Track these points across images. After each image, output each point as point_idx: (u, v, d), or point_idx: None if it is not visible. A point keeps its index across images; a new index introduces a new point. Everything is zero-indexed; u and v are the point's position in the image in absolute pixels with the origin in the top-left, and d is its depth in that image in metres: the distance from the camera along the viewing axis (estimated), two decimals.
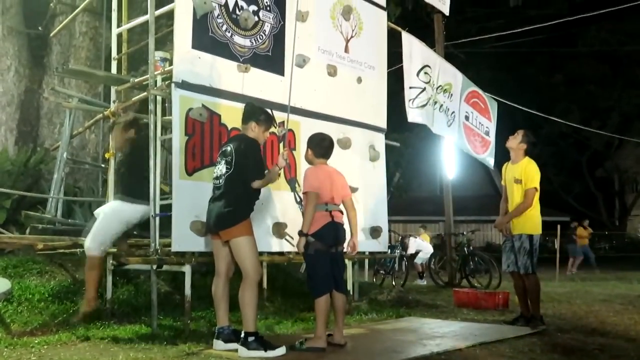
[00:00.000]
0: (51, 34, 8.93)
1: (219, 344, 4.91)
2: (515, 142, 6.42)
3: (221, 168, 4.86)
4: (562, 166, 30.72)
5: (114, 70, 6.86)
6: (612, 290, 11.63)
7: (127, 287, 7.00)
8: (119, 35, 6.85)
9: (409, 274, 12.40)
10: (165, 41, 7.56)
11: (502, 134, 10.00)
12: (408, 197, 30.95)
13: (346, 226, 5.23)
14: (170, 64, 6.12)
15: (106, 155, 6.65)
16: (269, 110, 5.21)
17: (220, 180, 4.84)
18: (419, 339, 5.54)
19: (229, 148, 4.89)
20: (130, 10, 7.01)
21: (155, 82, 5.55)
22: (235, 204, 4.78)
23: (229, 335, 4.95)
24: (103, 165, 8.23)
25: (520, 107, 15.33)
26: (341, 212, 5.24)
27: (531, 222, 6.28)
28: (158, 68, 6.16)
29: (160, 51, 6.36)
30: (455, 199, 13.79)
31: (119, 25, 6.80)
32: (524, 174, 6.28)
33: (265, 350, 4.61)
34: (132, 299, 6.77)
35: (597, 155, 31.62)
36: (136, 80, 6.38)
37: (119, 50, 6.88)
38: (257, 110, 5.10)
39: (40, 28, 10.49)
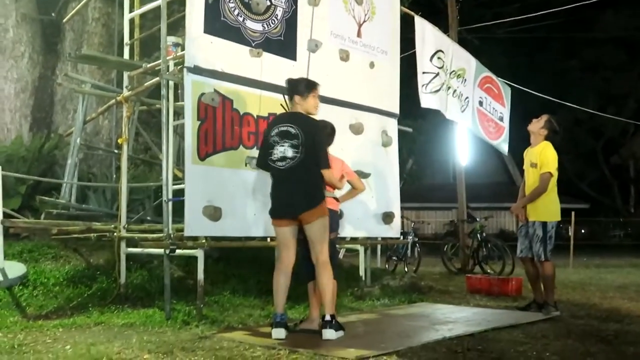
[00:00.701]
0: (64, 20, 8.95)
1: (280, 332, 4.72)
2: (537, 127, 6.32)
3: (285, 150, 4.76)
4: (578, 153, 30.44)
5: (126, 56, 6.87)
6: (626, 277, 11.55)
7: (141, 272, 7.05)
8: (131, 21, 6.86)
9: (421, 260, 12.35)
10: (177, 27, 7.54)
11: (516, 120, 9.96)
12: (421, 184, 30.87)
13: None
14: (183, 49, 6.11)
15: (119, 141, 6.67)
16: (305, 79, 5.23)
17: (286, 163, 4.76)
18: (431, 324, 5.53)
19: (292, 130, 4.78)
20: None
21: (168, 67, 5.54)
22: (314, 186, 4.83)
23: (285, 320, 4.87)
24: (116, 151, 8.26)
25: (534, 93, 15.18)
26: (336, 199, 5.32)
27: (545, 208, 6.21)
28: (170, 53, 6.16)
29: (172, 36, 6.34)
30: (469, 186, 13.74)
31: (131, 11, 6.80)
32: (540, 158, 6.20)
33: (344, 330, 4.81)
34: (146, 284, 6.81)
35: (613, 142, 31.31)
36: (148, 65, 6.37)
37: (132, 36, 6.88)
38: (294, 83, 5.04)
39: (53, 14, 10.50)
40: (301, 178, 4.79)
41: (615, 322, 5.84)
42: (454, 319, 5.84)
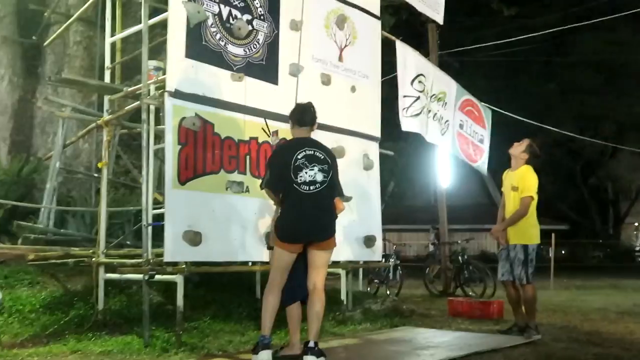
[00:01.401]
0: (45, 44, 8.92)
1: (267, 354, 4.69)
2: (519, 150, 6.38)
3: (315, 174, 4.75)
4: (557, 174, 30.76)
5: (107, 79, 6.84)
6: (607, 299, 11.62)
7: (120, 297, 6.93)
8: (113, 45, 6.84)
9: (404, 283, 12.32)
10: (159, 50, 7.54)
11: (497, 141, 10.04)
12: (402, 206, 30.95)
13: None
14: (164, 73, 6.09)
15: (99, 165, 6.61)
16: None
17: (316, 187, 4.75)
18: (413, 349, 5.51)
19: (320, 155, 4.82)
20: (125, 19, 7.00)
21: (149, 91, 5.51)
22: (334, 214, 4.94)
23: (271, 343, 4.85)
24: (96, 175, 8.18)
25: (514, 116, 15.34)
26: None
27: (526, 231, 6.25)
28: (151, 77, 6.14)
29: (153, 60, 6.33)
30: (450, 207, 13.76)
31: (112, 35, 6.78)
32: (520, 182, 6.25)
33: (325, 357, 4.76)
34: (124, 310, 6.69)
35: (591, 164, 31.70)
36: (129, 89, 6.36)
37: (113, 60, 6.86)
38: (314, 112, 5.09)
39: (34, 37, 10.46)
40: (328, 204, 4.87)
41: (596, 345, 5.87)
42: (436, 343, 5.82)
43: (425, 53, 10.73)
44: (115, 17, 6.81)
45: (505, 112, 14.45)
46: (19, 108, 10.56)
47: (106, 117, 6.54)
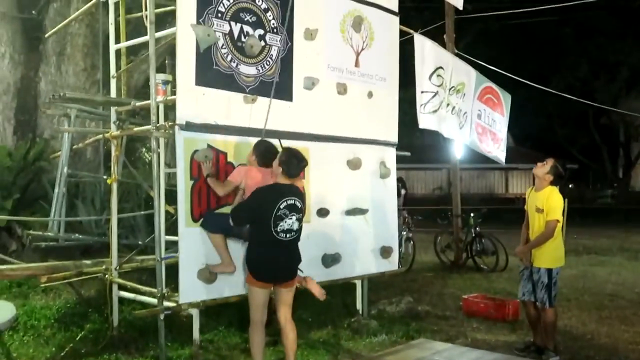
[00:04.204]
0: (46, 35, 8.48)
1: None
2: (543, 172, 6.12)
3: (292, 223, 4.91)
4: (568, 117, 30.24)
5: (113, 87, 6.55)
6: (618, 273, 11.62)
7: (134, 306, 6.90)
8: (117, 52, 6.51)
9: (415, 256, 12.31)
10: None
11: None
12: (411, 145, 30.58)
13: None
14: (174, 86, 5.82)
15: (108, 181, 6.42)
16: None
17: (291, 235, 4.94)
18: None
19: (299, 204, 4.97)
20: (129, 28, 6.60)
21: (157, 126, 5.23)
22: (300, 256, 5.17)
23: None
24: (105, 177, 8.01)
25: (522, 80, 14.80)
26: None
27: (551, 254, 6.11)
28: (160, 92, 5.85)
29: (162, 74, 6.02)
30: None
31: (117, 42, 6.44)
32: (546, 204, 6.04)
33: None
34: (139, 321, 6.66)
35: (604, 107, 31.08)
36: (137, 104, 6.10)
37: (118, 67, 6.54)
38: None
39: (34, 12, 10.03)
40: (296, 248, 5.12)
41: None
42: None
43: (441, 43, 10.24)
44: (119, 26, 6.41)
45: (513, 76, 13.90)
46: (21, 86, 10.23)
47: (114, 131, 6.30)
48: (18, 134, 10.24)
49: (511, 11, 17.06)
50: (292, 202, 4.91)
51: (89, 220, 8.66)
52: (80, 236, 7.55)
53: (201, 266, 5.27)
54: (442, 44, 10.17)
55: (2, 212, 8.76)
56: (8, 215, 8.67)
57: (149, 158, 8.59)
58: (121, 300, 6.59)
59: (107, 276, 6.35)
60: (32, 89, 10.28)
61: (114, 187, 6.38)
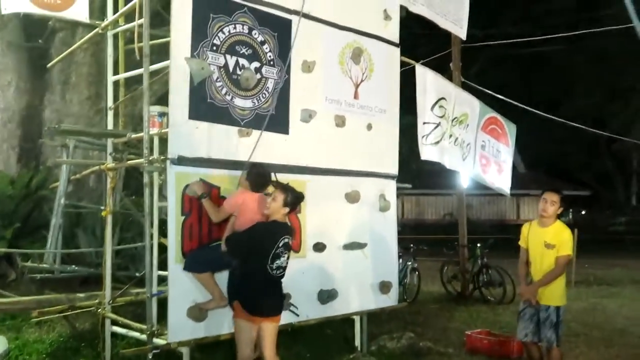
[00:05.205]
0: (48, 65, 8.53)
1: None
2: (553, 210, 5.96)
3: (285, 261, 4.99)
4: (581, 142, 29.98)
5: (110, 119, 6.50)
6: (630, 306, 11.33)
7: (128, 340, 6.77)
8: (116, 83, 6.48)
9: (421, 286, 12.10)
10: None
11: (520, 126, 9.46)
12: (420, 170, 30.37)
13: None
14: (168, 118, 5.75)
15: (103, 214, 6.35)
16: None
17: (282, 272, 5.02)
18: None
19: (290, 242, 5.05)
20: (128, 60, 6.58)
21: (149, 160, 5.15)
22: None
23: None
24: (102, 208, 7.94)
25: (529, 108, 14.59)
26: None
27: (559, 292, 5.91)
28: (155, 124, 5.79)
29: (157, 106, 5.96)
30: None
31: (115, 73, 6.41)
32: (557, 240, 5.84)
33: None
34: (132, 356, 6.53)
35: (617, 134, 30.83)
36: (133, 136, 6.04)
37: (116, 99, 6.51)
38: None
39: (40, 41, 10.12)
40: (281, 283, 5.15)
41: None
42: None
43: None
44: (118, 58, 6.39)
45: (518, 104, 13.70)
46: (26, 114, 10.33)
47: (110, 164, 6.24)
48: (22, 162, 10.30)
49: (522, 39, 16.81)
50: (287, 240, 4.99)
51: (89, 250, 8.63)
52: (77, 267, 7.47)
53: (191, 304, 5.15)
54: (450, 72, 10.09)
55: (2, 241, 8.75)
56: (8, 243, 8.66)
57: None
58: (115, 334, 6.49)
59: (99, 310, 6.25)
60: (36, 117, 10.35)
61: (109, 219, 6.31)
